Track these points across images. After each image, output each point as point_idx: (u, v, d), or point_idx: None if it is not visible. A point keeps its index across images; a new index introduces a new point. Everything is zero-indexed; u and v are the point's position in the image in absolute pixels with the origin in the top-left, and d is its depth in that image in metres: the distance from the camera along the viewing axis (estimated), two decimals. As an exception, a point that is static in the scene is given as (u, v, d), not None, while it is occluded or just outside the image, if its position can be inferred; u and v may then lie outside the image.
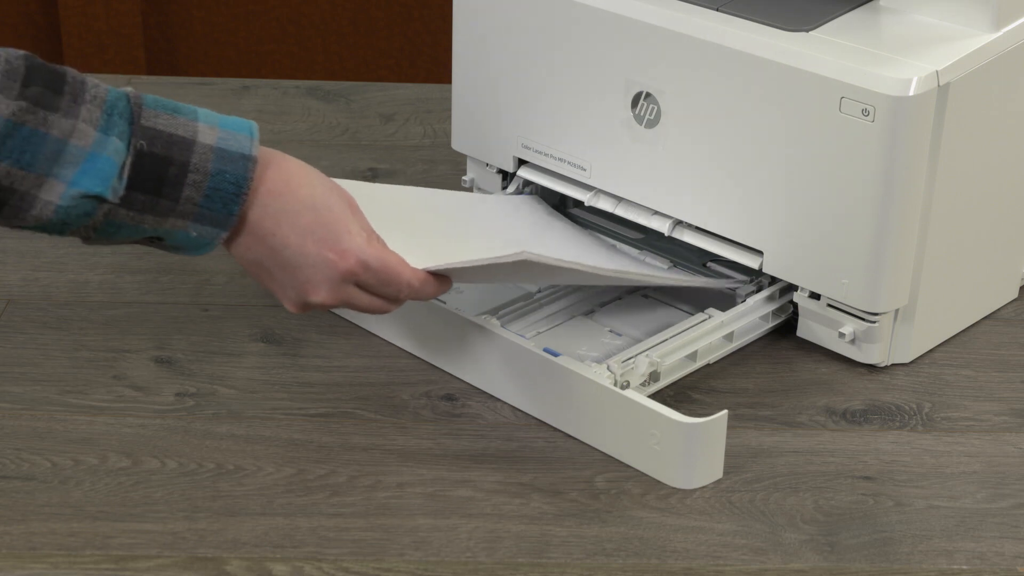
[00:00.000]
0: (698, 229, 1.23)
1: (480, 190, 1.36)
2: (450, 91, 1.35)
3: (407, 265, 1.05)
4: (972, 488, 1.07)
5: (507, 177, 1.35)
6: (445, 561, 0.98)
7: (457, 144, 1.36)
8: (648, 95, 1.20)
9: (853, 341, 1.17)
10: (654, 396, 1.09)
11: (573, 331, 1.19)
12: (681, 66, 1.18)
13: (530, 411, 1.12)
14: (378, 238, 1.05)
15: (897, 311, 1.17)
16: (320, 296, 1.03)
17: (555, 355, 1.10)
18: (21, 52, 0.96)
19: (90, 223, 0.98)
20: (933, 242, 1.15)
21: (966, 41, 1.13)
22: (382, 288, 1.04)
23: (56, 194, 0.96)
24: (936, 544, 1.01)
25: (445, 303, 1.16)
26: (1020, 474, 1.08)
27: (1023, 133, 1.19)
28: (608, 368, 1.08)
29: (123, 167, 0.97)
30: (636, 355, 1.11)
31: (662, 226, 1.24)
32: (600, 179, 1.27)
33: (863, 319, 1.16)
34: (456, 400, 1.14)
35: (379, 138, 1.54)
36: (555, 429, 1.11)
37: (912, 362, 1.20)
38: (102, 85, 0.98)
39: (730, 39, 1.15)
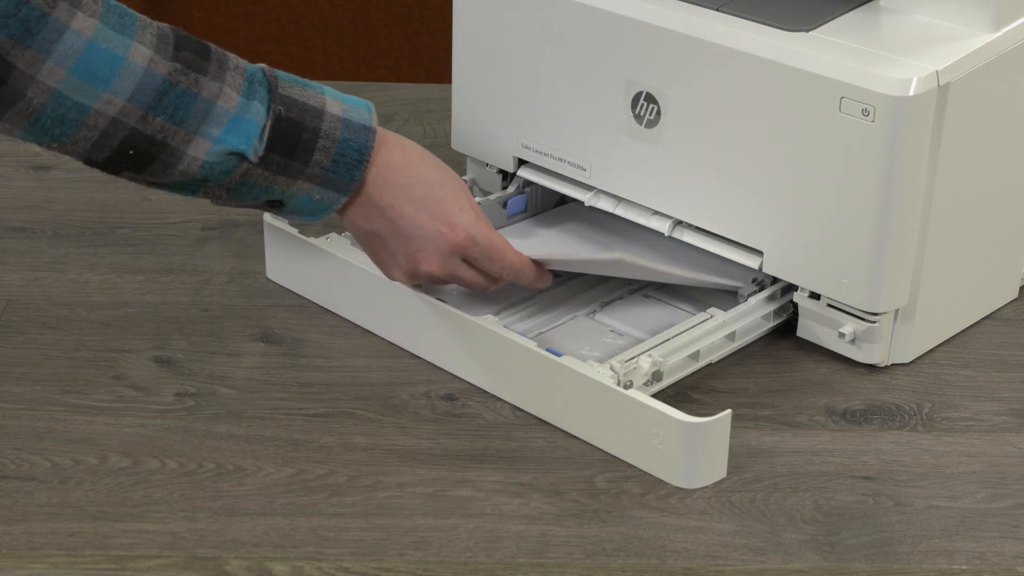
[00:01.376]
0: (698, 229, 1.23)
1: (480, 190, 1.36)
2: (450, 91, 1.35)
3: (511, 247, 1.14)
4: (972, 488, 1.07)
5: (507, 177, 1.35)
6: (445, 561, 0.98)
7: (457, 144, 1.36)
8: (648, 95, 1.20)
9: (853, 341, 1.17)
10: (656, 396, 1.09)
11: (574, 331, 1.19)
12: (681, 66, 1.18)
13: (531, 410, 1.12)
14: (486, 220, 1.14)
15: (897, 311, 1.17)
16: (430, 266, 1.12)
17: (558, 355, 1.10)
18: (167, 24, 1.05)
19: (226, 181, 1.06)
20: (933, 242, 1.15)
21: (966, 41, 1.13)
22: (487, 264, 1.13)
23: (203, 150, 1.03)
24: (936, 544, 1.01)
25: (446, 302, 1.16)
26: (1020, 474, 1.08)
27: (1023, 133, 1.19)
28: (611, 368, 1.08)
29: (263, 129, 1.05)
30: (638, 355, 1.11)
31: (662, 226, 1.24)
32: (600, 179, 1.27)
33: (863, 319, 1.16)
34: (456, 400, 1.14)
35: (379, 138, 1.54)
36: (555, 429, 1.11)
37: (912, 362, 1.20)
38: (240, 58, 1.07)
39: (730, 39, 1.15)
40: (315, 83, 1.11)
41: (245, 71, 1.06)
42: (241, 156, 1.05)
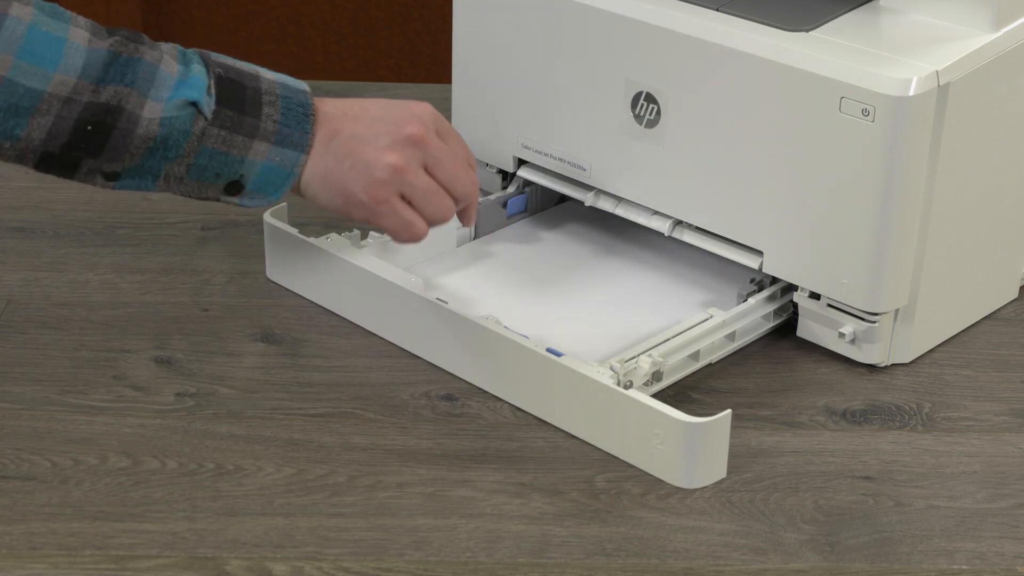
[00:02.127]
0: (698, 229, 1.23)
1: (480, 190, 1.36)
2: (450, 91, 1.35)
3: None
4: (972, 488, 1.07)
5: (507, 177, 1.35)
6: (445, 561, 0.98)
7: (457, 144, 1.36)
8: (648, 95, 1.20)
9: (853, 341, 1.17)
10: (655, 396, 1.09)
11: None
12: (681, 66, 1.18)
13: (531, 410, 1.12)
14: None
15: (897, 311, 1.17)
16: (413, 126, 1.08)
17: (558, 355, 1.10)
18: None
19: (185, 150, 1.05)
20: (933, 242, 1.15)
21: (966, 41, 1.13)
22: (450, 152, 1.10)
23: (158, 110, 1.03)
24: (936, 544, 1.01)
25: (447, 303, 1.16)
26: (1020, 474, 1.08)
27: (1023, 133, 1.19)
28: (611, 368, 1.08)
29: (209, 86, 1.05)
30: (638, 355, 1.11)
31: (662, 226, 1.24)
32: (600, 179, 1.27)
33: (863, 319, 1.16)
34: (456, 400, 1.14)
35: (379, 138, 1.54)
36: (555, 429, 1.11)
37: (912, 362, 1.20)
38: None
39: (730, 39, 1.15)
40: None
41: (176, 48, 1.07)
42: (196, 110, 1.04)
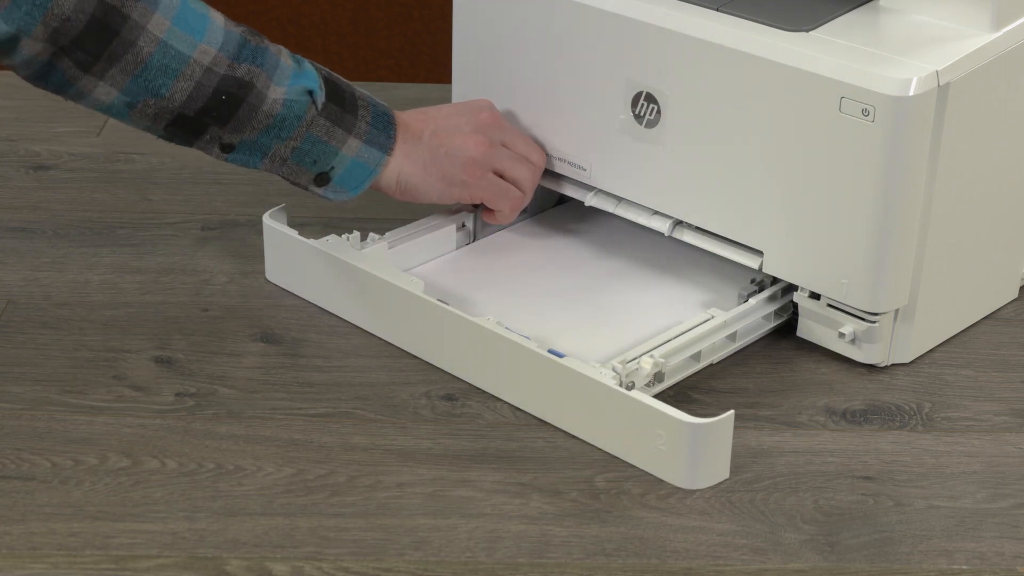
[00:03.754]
0: (698, 229, 1.23)
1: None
2: (450, 91, 1.35)
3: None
4: (972, 488, 1.07)
5: (507, 177, 1.35)
6: (445, 561, 0.98)
7: (457, 144, 1.36)
8: (648, 95, 1.20)
9: (853, 341, 1.17)
10: (657, 396, 1.09)
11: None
12: (681, 66, 1.18)
13: (531, 411, 1.12)
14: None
15: (897, 311, 1.17)
16: (485, 113, 1.26)
17: (560, 356, 1.10)
18: None
19: (296, 132, 1.16)
20: (933, 242, 1.15)
21: (966, 41, 1.13)
22: (520, 142, 1.27)
23: (281, 93, 1.15)
24: (936, 544, 1.01)
25: (448, 304, 1.16)
26: (1020, 474, 1.08)
27: (1023, 133, 1.19)
28: (613, 369, 1.08)
29: (320, 82, 1.18)
30: (640, 355, 1.11)
31: (662, 226, 1.24)
32: (600, 179, 1.27)
33: (863, 319, 1.16)
34: (456, 400, 1.14)
35: (379, 138, 1.54)
36: (555, 429, 1.11)
37: (912, 362, 1.20)
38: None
39: (730, 39, 1.15)
40: None
41: (287, 50, 1.18)
42: (311, 97, 1.16)
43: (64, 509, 1.01)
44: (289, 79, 1.16)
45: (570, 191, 1.29)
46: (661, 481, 1.06)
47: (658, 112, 1.20)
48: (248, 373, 1.16)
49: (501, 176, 1.25)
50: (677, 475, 1.05)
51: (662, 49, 1.18)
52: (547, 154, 1.28)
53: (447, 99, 1.37)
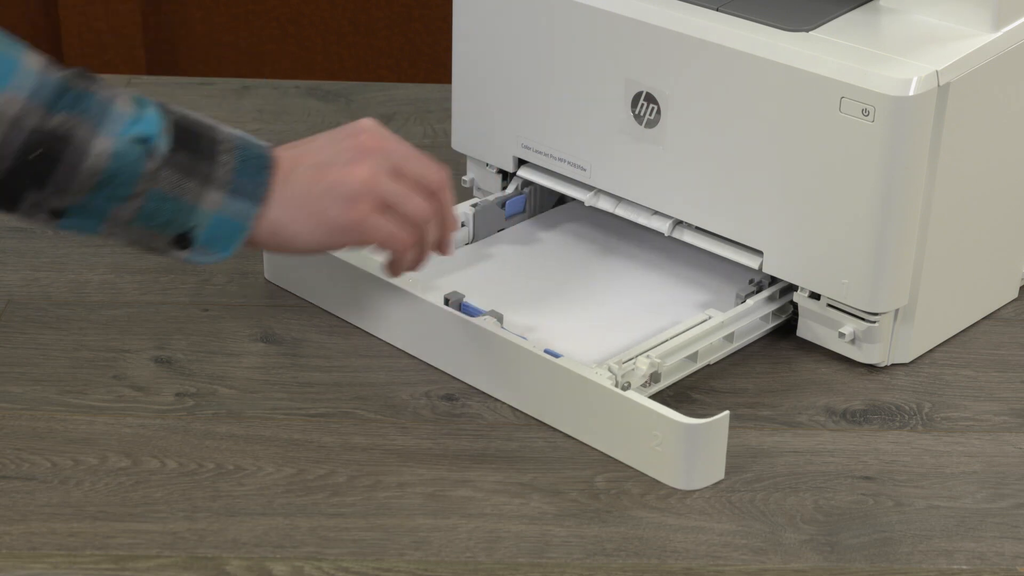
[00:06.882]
0: (698, 229, 1.23)
1: (480, 190, 1.36)
2: (450, 91, 1.35)
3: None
4: (972, 488, 1.07)
5: (507, 177, 1.35)
6: (445, 561, 0.98)
7: (457, 144, 1.36)
8: (648, 95, 1.20)
9: (853, 341, 1.18)
10: (654, 396, 1.09)
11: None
12: (681, 66, 1.18)
13: (530, 411, 1.12)
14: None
15: (897, 311, 1.17)
16: (366, 137, 1.06)
17: (556, 356, 1.10)
18: None
19: (135, 190, 0.99)
20: (933, 242, 1.15)
21: (966, 41, 1.13)
22: (413, 163, 1.07)
23: (109, 144, 0.98)
24: (936, 544, 1.01)
25: (448, 304, 1.16)
26: (1020, 474, 1.08)
27: (1023, 133, 1.19)
28: (609, 369, 1.08)
29: (164, 127, 1.00)
30: (636, 356, 1.11)
31: (662, 226, 1.24)
32: (600, 179, 1.27)
33: (863, 319, 1.16)
34: (456, 400, 1.14)
35: (379, 138, 1.54)
36: (555, 429, 1.11)
37: (912, 362, 1.20)
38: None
39: (730, 39, 1.15)
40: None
41: (133, 93, 1.02)
42: (146, 147, 0.99)
43: (64, 509, 1.01)
44: (121, 127, 0.98)
45: (570, 191, 1.29)
46: (661, 481, 1.06)
47: (658, 112, 1.20)
48: (248, 373, 1.16)
49: (395, 209, 1.07)
50: (673, 476, 1.05)
51: (662, 49, 1.18)
52: (447, 174, 1.11)
53: (447, 99, 1.37)
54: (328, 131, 1.08)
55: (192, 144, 1.01)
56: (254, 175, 1.03)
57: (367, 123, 1.08)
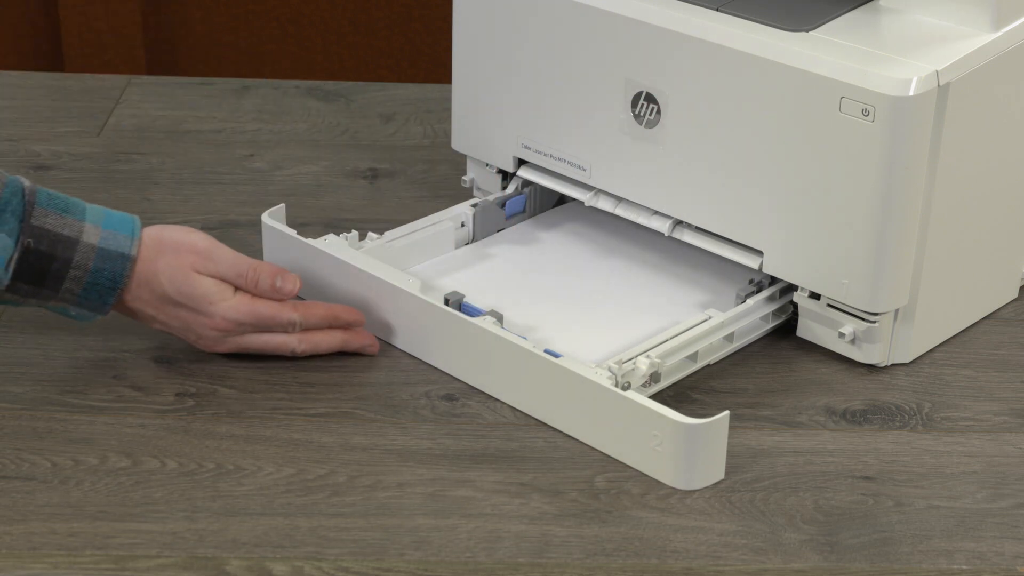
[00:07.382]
0: (698, 229, 1.23)
1: (480, 190, 1.36)
2: (450, 91, 1.35)
3: (279, 305, 1.15)
4: (972, 488, 1.07)
5: (507, 177, 1.35)
6: (445, 561, 0.98)
7: (457, 144, 1.36)
8: (648, 95, 1.20)
9: (853, 341, 1.17)
10: (654, 396, 1.09)
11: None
12: (681, 66, 1.18)
13: (530, 411, 1.12)
14: (233, 260, 1.14)
15: (897, 311, 1.17)
16: (217, 322, 1.13)
17: (556, 356, 1.10)
18: None
19: None
20: (933, 242, 1.15)
21: (966, 41, 1.13)
22: (264, 291, 1.14)
23: None
24: (936, 544, 1.01)
25: (448, 304, 1.16)
26: (1020, 474, 1.08)
27: (1023, 133, 1.19)
28: (609, 369, 1.08)
29: (10, 261, 1.06)
30: (636, 356, 1.11)
31: (662, 226, 1.24)
32: (600, 179, 1.27)
33: (863, 319, 1.16)
34: (456, 400, 1.14)
35: (379, 138, 1.54)
36: (555, 429, 1.11)
37: (912, 362, 1.20)
38: (3, 175, 1.07)
39: (730, 39, 1.15)
40: (79, 205, 1.10)
41: (1, 194, 1.06)
42: None
43: (64, 509, 1.01)
44: None
45: (570, 191, 1.29)
46: (662, 482, 1.06)
47: (658, 112, 1.20)
48: (248, 373, 1.16)
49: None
50: (672, 476, 1.05)
51: (662, 49, 1.18)
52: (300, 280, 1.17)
53: (447, 99, 1.37)
54: (190, 283, 1.12)
55: (36, 274, 1.08)
56: (99, 297, 1.10)
57: (221, 309, 1.13)
